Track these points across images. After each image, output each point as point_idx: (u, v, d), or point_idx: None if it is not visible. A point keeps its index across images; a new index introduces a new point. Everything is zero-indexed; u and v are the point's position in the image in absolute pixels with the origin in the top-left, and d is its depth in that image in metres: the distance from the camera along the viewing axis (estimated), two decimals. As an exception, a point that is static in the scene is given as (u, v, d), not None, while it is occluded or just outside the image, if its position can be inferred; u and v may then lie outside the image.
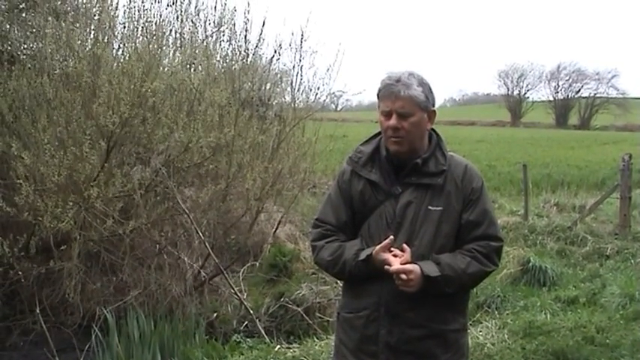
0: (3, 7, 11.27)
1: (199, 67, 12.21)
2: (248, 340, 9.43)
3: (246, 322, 10.66)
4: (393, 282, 3.69)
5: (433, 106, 3.82)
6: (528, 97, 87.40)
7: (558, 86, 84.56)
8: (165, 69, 11.65)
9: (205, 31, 12.66)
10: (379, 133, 3.93)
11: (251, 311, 10.52)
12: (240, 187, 11.61)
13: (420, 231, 3.77)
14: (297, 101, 13.69)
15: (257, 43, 12.94)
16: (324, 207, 4.04)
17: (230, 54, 13.01)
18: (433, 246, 3.78)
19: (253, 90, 13.18)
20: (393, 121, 3.74)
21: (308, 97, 13.59)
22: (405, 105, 3.72)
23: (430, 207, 3.78)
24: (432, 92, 3.80)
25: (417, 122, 3.75)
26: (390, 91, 3.74)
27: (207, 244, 10.91)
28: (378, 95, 3.81)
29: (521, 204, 17.89)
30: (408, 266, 3.63)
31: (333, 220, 3.94)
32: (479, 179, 3.91)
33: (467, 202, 3.85)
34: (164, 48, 11.60)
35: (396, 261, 3.62)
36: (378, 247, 3.68)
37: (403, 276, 3.60)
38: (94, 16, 11.30)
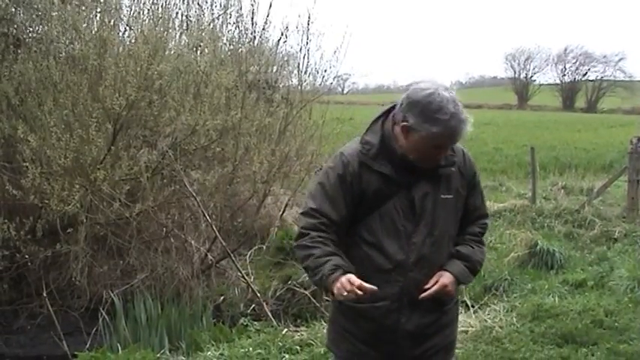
0: (9, -11, 11.24)
1: (206, 49, 12.17)
2: (255, 323, 9.42)
3: (253, 306, 10.66)
4: (416, 272, 3.73)
5: None
6: (535, 80, 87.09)
7: (565, 69, 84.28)
8: (172, 52, 11.62)
9: (212, 14, 12.64)
10: (378, 118, 3.84)
11: (258, 294, 10.51)
12: (247, 170, 11.59)
13: (438, 220, 3.77)
14: (304, 84, 13.69)
15: (264, 26, 12.97)
16: (318, 197, 3.77)
17: (237, 36, 13.02)
18: (448, 233, 3.84)
19: (260, 72, 13.15)
20: (442, 154, 3.71)
21: (315, 80, 13.60)
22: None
23: (443, 195, 3.77)
24: None
25: None
26: (460, 132, 3.59)
27: (214, 227, 10.89)
28: (437, 126, 3.53)
29: (528, 187, 17.86)
30: (443, 281, 3.74)
31: (332, 214, 3.72)
32: (474, 163, 3.97)
33: (470, 188, 3.92)
34: (170, 31, 11.59)
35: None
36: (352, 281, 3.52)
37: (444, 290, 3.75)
38: (100, -2, 11.28)
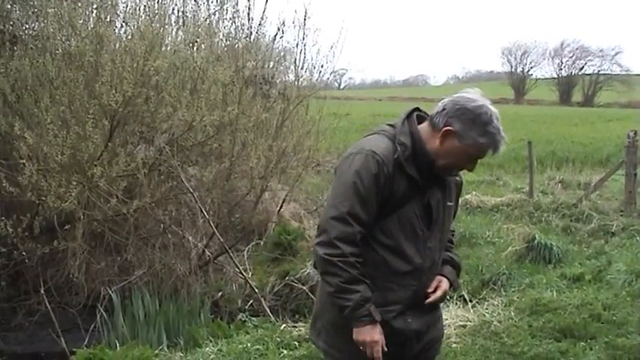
0: (4, -14, 11.23)
1: (202, 45, 12.16)
2: (253, 319, 9.43)
3: (251, 301, 10.67)
4: (427, 277, 3.80)
5: None
6: (532, 75, 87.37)
7: (562, 63, 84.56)
8: (168, 47, 11.61)
9: (208, 9, 12.61)
10: (404, 120, 3.74)
11: (256, 290, 10.52)
12: (244, 166, 11.59)
13: (445, 227, 3.84)
14: (300, 79, 13.68)
15: (260, 21, 12.92)
16: (351, 199, 3.59)
17: (233, 32, 12.98)
18: (447, 239, 3.96)
19: (257, 68, 13.14)
20: (472, 167, 3.75)
21: (311, 75, 13.59)
22: None
23: (448, 202, 3.83)
24: None
25: None
26: (500, 148, 3.63)
27: (211, 223, 10.90)
28: (485, 138, 3.58)
29: (525, 181, 17.92)
30: (444, 287, 3.88)
31: (364, 217, 3.59)
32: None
33: (458, 194, 4.00)
34: (167, 26, 11.54)
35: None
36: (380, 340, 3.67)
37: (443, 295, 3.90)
38: (96, -6, 11.26)
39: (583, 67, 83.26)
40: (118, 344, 8.63)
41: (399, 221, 3.67)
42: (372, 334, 3.60)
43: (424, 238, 3.72)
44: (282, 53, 14.39)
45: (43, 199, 9.42)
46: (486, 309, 8.43)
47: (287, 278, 11.26)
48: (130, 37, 11.05)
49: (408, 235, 3.68)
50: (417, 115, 3.75)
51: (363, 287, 3.58)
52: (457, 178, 3.90)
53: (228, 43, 13.02)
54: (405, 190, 3.63)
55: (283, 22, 12.86)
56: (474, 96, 3.60)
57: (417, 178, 3.63)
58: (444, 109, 3.59)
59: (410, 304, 3.77)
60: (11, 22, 11.06)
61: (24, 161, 9.30)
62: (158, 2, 11.32)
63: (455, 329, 7.67)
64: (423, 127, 3.68)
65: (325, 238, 3.60)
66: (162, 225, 11.29)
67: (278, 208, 13.10)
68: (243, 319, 9.51)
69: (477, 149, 3.59)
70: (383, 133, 3.73)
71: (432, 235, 3.75)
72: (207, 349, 7.64)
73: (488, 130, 3.53)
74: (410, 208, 3.67)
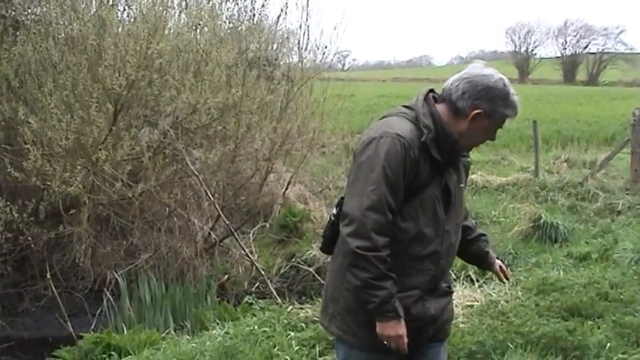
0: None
1: (205, 27, 12.12)
2: (260, 301, 9.40)
3: (257, 284, 10.70)
4: (444, 261, 3.74)
5: None
6: (536, 54, 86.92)
7: (566, 42, 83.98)
8: (171, 30, 11.58)
9: (211, -8, 12.57)
10: (424, 99, 3.69)
11: (262, 272, 10.52)
12: (249, 148, 11.58)
13: (460, 209, 3.81)
14: (304, 61, 13.65)
15: (263, 3, 12.88)
16: (382, 187, 3.49)
17: (236, 14, 12.94)
18: (461, 221, 3.92)
19: (260, 50, 13.11)
20: (495, 137, 3.77)
21: (315, 57, 13.55)
22: None
23: (460, 184, 3.78)
24: None
25: None
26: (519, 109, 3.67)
27: (217, 206, 10.89)
28: (510, 108, 3.62)
29: (531, 160, 17.85)
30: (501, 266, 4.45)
31: (394, 204, 3.50)
32: None
33: (467, 175, 3.97)
34: (169, 9, 11.53)
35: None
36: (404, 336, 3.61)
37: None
38: (98, -22, 11.22)
39: (587, 45, 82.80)
40: (124, 328, 8.65)
41: (421, 205, 3.60)
42: (396, 329, 3.55)
43: (443, 222, 3.66)
44: (285, 35, 14.38)
45: (48, 183, 9.43)
46: (493, 289, 8.39)
47: (293, 260, 11.26)
48: (132, 20, 11.05)
49: (429, 218, 3.62)
50: (432, 97, 3.70)
51: (390, 283, 3.51)
52: (466, 160, 3.85)
53: (231, 25, 12.99)
54: (428, 173, 3.58)
55: (286, 4, 12.89)
56: (486, 70, 3.61)
57: (440, 160, 3.58)
58: (464, 93, 3.55)
59: (428, 289, 3.72)
60: (13, 7, 11.04)
61: (28, 146, 9.31)
62: (160, -15, 11.29)
63: (462, 309, 7.64)
64: (440, 108, 3.63)
65: (360, 229, 3.47)
66: (167, 208, 11.30)
67: (283, 190, 13.08)
68: (249, 302, 9.49)
69: (503, 121, 3.64)
70: (403, 116, 3.65)
71: (449, 218, 3.70)
72: (214, 331, 7.62)
73: (510, 99, 3.58)
74: (431, 190, 3.60)
